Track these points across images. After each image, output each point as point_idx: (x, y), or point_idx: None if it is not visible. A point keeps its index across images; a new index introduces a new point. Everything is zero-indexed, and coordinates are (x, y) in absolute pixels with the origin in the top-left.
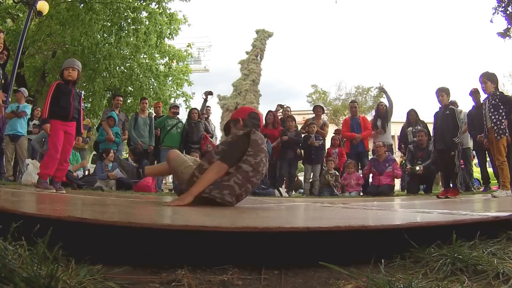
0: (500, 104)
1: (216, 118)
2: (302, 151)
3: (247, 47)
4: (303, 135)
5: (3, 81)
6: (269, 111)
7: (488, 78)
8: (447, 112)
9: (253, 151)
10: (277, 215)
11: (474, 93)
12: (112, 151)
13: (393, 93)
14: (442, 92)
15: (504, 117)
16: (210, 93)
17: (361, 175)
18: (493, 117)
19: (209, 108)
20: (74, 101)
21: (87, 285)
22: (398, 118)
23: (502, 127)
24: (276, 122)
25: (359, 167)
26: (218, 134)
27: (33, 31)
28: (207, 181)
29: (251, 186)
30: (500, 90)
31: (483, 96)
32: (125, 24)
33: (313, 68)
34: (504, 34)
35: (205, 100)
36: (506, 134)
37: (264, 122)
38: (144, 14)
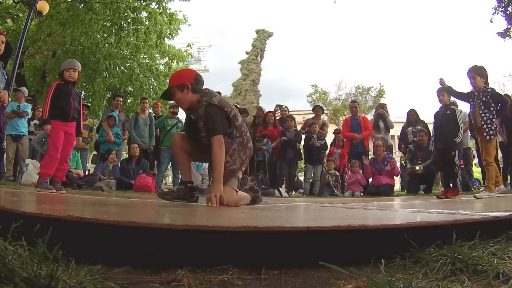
0: (491, 101)
1: None
2: (302, 149)
3: (247, 47)
4: (303, 136)
5: (6, 77)
6: (269, 112)
7: (477, 73)
8: (447, 112)
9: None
10: (277, 215)
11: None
12: (113, 152)
13: (393, 93)
14: (443, 92)
15: (495, 116)
16: (218, 93)
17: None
18: (483, 115)
19: None
20: (74, 102)
21: (87, 285)
22: (398, 118)
23: (493, 127)
24: (275, 123)
25: None
26: None
27: (33, 31)
28: (220, 162)
29: (248, 150)
30: (490, 86)
31: None
32: (125, 24)
33: (313, 68)
34: (504, 34)
35: None
36: (497, 135)
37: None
38: (144, 14)
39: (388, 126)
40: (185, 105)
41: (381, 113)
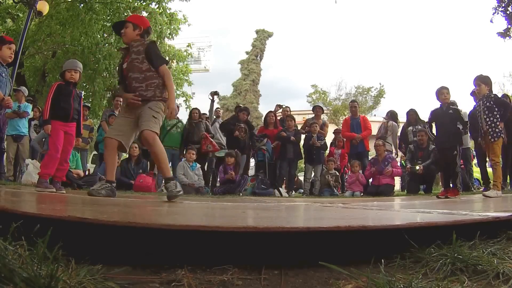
0: (494, 106)
1: None
2: (302, 149)
3: (247, 47)
4: (303, 136)
5: (11, 83)
6: (270, 112)
7: (482, 81)
8: (449, 111)
9: None
10: (277, 215)
11: (476, 93)
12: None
13: (393, 93)
14: (444, 90)
15: (499, 119)
16: (216, 93)
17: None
18: (488, 119)
19: (218, 109)
20: (74, 102)
21: (87, 285)
22: (398, 118)
23: (497, 130)
24: (276, 123)
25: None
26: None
27: (33, 31)
28: (172, 86)
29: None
30: (494, 93)
31: None
32: None
33: (313, 68)
34: (504, 34)
35: (212, 101)
36: (502, 136)
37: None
38: (144, 14)
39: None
40: (128, 40)
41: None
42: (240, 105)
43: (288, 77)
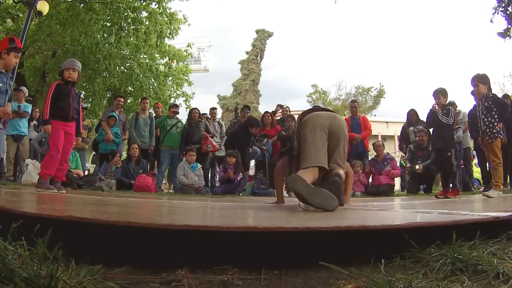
0: (493, 106)
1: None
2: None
3: (247, 47)
4: None
5: (11, 89)
6: (266, 112)
7: (480, 81)
8: (443, 111)
9: None
10: (277, 215)
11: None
12: (118, 155)
13: (393, 93)
14: (439, 94)
15: (497, 119)
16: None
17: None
18: (486, 119)
19: (215, 110)
20: (73, 102)
21: (87, 285)
22: (398, 118)
23: (494, 130)
24: (273, 122)
25: None
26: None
27: (33, 31)
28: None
29: None
30: (492, 92)
31: None
32: (125, 24)
33: (313, 68)
34: (504, 34)
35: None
36: (500, 136)
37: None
38: (144, 14)
39: None
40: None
41: None
42: (250, 115)
43: (288, 77)
